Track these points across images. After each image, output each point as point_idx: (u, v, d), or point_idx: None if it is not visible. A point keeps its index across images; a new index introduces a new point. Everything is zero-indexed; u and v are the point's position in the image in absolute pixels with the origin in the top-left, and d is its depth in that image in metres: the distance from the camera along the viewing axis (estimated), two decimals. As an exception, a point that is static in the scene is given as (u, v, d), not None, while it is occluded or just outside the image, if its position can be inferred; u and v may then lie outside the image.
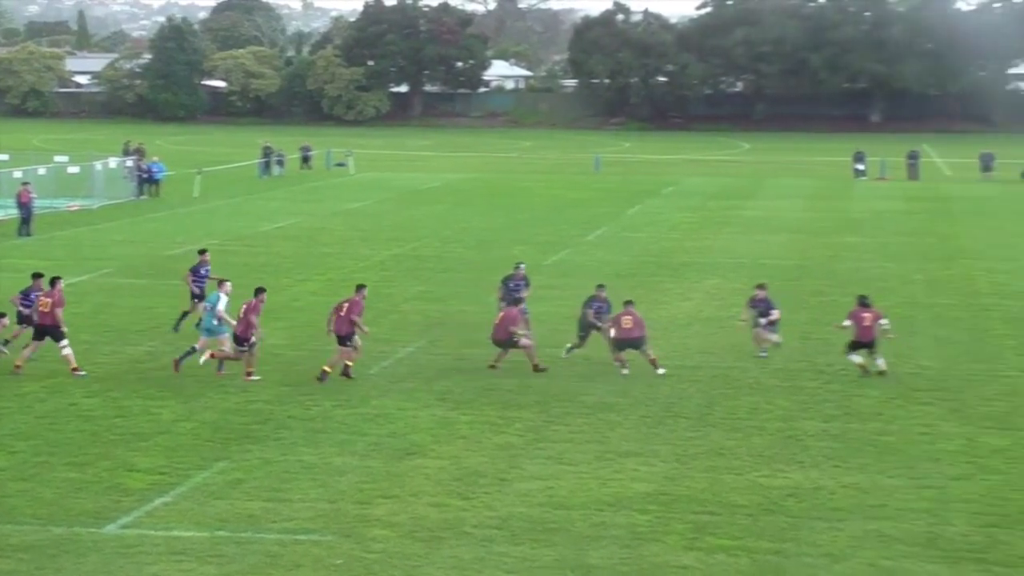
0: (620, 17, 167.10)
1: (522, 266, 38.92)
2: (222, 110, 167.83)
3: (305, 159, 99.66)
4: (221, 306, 33.24)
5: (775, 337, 35.50)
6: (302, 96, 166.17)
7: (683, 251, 57.27)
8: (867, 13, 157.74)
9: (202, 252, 39.77)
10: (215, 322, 33.24)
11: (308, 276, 49.16)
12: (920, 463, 27.06)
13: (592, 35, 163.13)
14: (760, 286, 36.56)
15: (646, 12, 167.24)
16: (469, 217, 69.51)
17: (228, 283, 34.26)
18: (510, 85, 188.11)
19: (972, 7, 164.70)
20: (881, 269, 52.62)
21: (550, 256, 55.03)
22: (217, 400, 30.96)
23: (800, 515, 24.01)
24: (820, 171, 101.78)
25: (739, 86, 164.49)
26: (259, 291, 33.43)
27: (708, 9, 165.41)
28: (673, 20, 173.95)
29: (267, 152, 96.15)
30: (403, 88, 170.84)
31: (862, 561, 21.90)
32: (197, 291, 38.07)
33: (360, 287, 33.95)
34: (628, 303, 34.25)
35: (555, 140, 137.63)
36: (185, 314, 38.09)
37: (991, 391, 32.65)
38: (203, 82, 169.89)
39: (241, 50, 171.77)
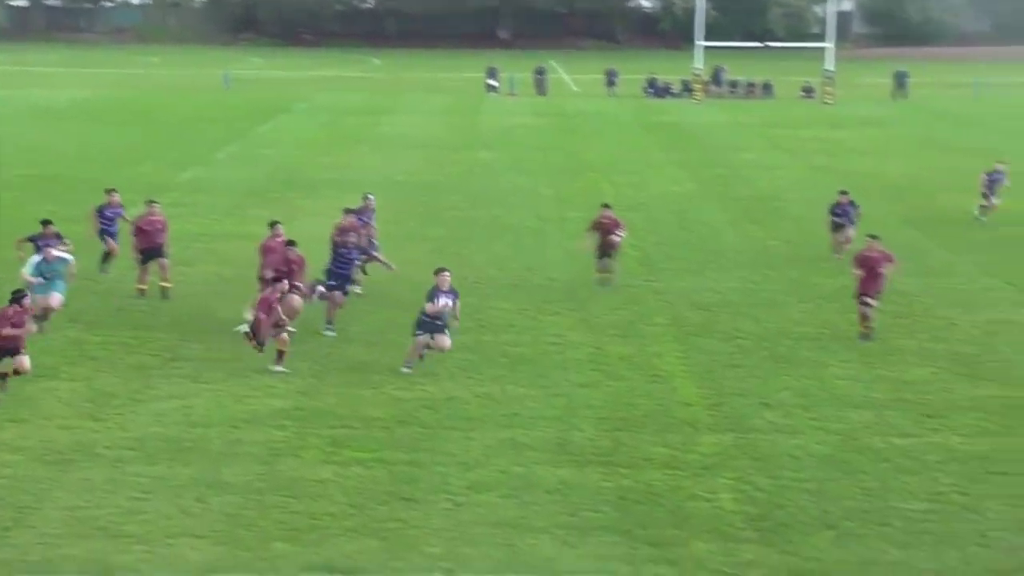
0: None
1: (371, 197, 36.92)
2: None
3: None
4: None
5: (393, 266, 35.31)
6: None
7: (317, 168, 57.09)
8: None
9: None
10: None
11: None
12: (550, 372, 27.86)
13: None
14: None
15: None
16: (97, 135, 67.71)
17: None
18: (137, 0, 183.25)
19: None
20: (513, 184, 53.59)
21: (180, 174, 54.16)
22: None
23: (434, 426, 24.48)
24: (453, 87, 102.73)
25: (371, 2, 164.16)
26: None
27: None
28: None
29: None
30: (22, 1, 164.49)
31: (495, 468, 22.49)
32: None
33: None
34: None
35: (185, 56, 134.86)
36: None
37: (616, 301, 33.77)
38: None
39: None
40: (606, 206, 35.99)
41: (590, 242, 35.33)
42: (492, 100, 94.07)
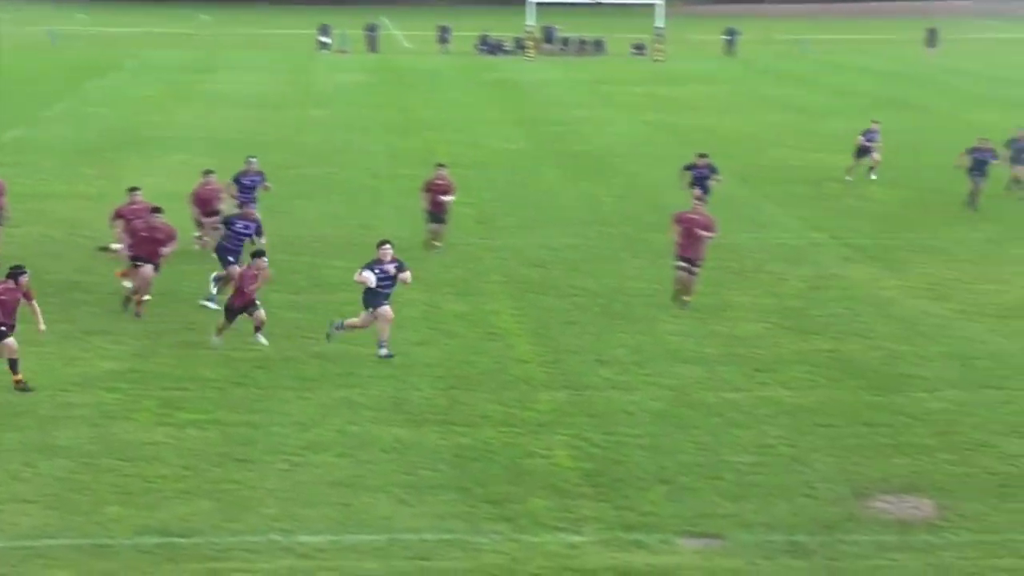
0: None
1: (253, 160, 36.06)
2: None
3: None
4: None
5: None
6: None
7: (148, 126, 56.26)
8: None
9: None
10: None
11: None
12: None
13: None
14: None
15: None
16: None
17: None
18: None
19: None
20: (346, 141, 53.33)
21: (4, 133, 52.98)
22: None
23: (269, 386, 24.32)
24: (284, 44, 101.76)
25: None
26: None
27: None
28: None
29: None
30: None
31: (331, 428, 22.43)
32: None
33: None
34: None
35: (7, 13, 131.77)
36: None
37: (451, 259, 33.81)
38: None
39: None
40: (440, 165, 35.74)
41: (424, 203, 35.03)
42: (324, 57, 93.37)
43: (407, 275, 26.18)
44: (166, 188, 41.86)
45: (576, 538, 18.58)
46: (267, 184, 35.54)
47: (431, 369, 25.42)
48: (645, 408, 23.64)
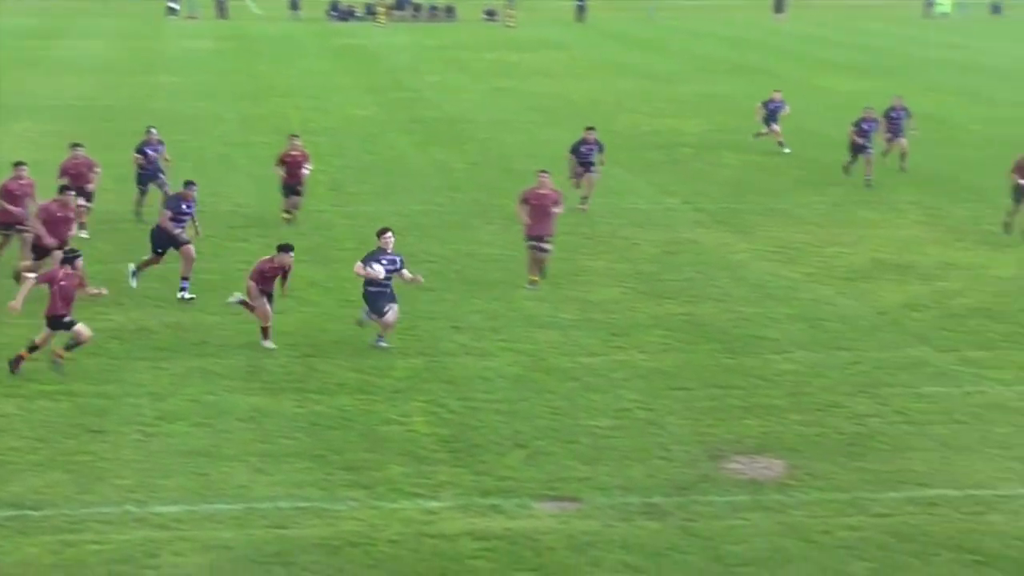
0: None
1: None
2: None
3: None
4: None
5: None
6: None
7: (-10, 92, 55.19)
8: None
9: None
10: None
11: None
12: (239, 299, 27.63)
13: None
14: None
15: None
16: None
17: None
18: None
19: None
20: (195, 108, 52.74)
21: None
22: None
23: (123, 356, 24.06)
24: (131, 10, 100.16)
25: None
26: None
27: None
28: None
29: None
30: None
31: (186, 397, 22.25)
32: None
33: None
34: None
35: None
36: None
37: (305, 227, 33.62)
38: None
39: None
40: (294, 136, 35.12)
41: (279, 175, 34.24)
42: (173, 23, 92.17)
43: (407, 272, 24.95)
44: (13, 156, 41.16)
45: (434, 504, 18.63)
46: (167, 156, 35.01)
47: (287, 337, 25.28)
48: (501, 373, 23.74)
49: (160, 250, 28.27)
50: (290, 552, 17.14)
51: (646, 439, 21.00)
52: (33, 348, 23.05)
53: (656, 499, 18.89)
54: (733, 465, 20.11)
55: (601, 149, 36.16)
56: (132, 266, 28.44)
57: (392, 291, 24.74)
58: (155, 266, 28.40)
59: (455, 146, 45.87)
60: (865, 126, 40.62)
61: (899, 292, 29.27)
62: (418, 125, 50.40)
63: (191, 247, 27.99)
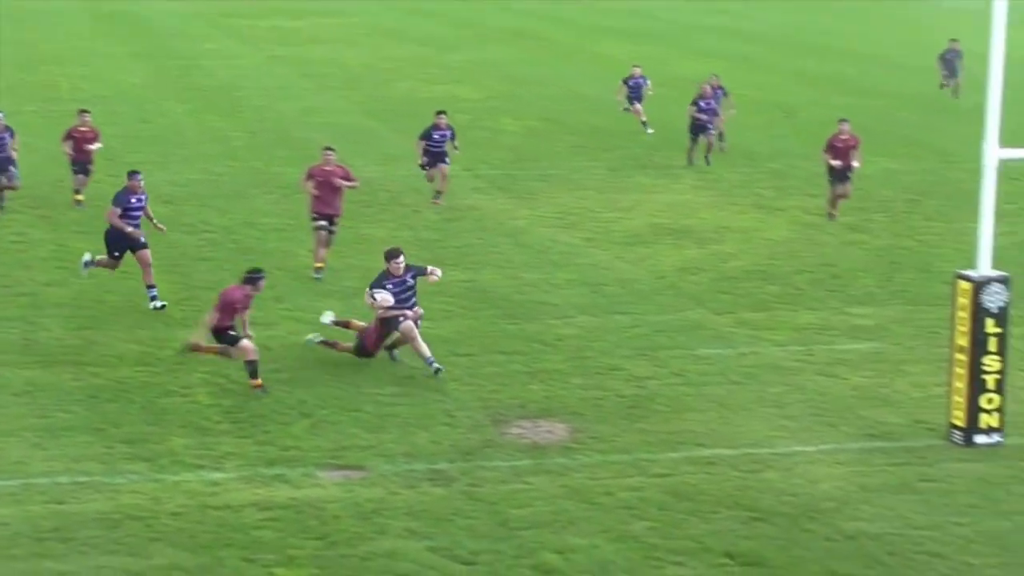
0: None
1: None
2: None
3: None
4: None
5: None
6: None
7: None
8: None
9: None
10: None
11: None
12: (13, 271, 27.04)
13: None
14: None
15: None
16: None
17: None
18: None
19: None
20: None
21: None
22: None
23: None
24: None
25: None
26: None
27: None
28: None
29: None
30: None
31: (-43, 373, 21.70)
32: None
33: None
34: None
35: None
36: None
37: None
38: None
39: None
40: (84, 111, 33.66)
41: (66, 152, 32.92)
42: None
43: (437, 272, 23.38)
44: None
45: (217, 475, 18.45)
46: (15, 146, 32.80)
47: (62, 309, 24.78)
48: (284, 343, 23.58)
49: (116, 253, 25.64)
50: (69, 527, 16.82)
51: (430, 406, 21.07)
52: None
53: (441, 465, 18.97)
54: (516, 430, 20.29)
55: (454, 135, 33.78)
56: (88, 255, 25.96)
57: (414, 299, 22.86)
58: (110, 270, 26.05)
59: (231, 114, 45.35)
60: (703, 103, 38.61)
61: (676, 256, 29.80)
62: (192, 93, 49.70)
63: (147, 252, 25.43)
